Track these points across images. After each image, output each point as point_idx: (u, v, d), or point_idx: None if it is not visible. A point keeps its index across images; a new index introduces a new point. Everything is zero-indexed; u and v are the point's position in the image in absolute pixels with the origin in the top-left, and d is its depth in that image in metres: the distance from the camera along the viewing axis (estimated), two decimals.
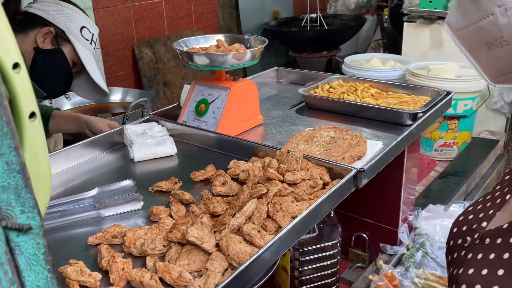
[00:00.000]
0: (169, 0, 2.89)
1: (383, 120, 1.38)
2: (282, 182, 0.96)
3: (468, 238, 0.67)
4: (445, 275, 1.50)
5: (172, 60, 2.93)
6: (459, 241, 0.69)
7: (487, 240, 0.62)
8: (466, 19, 0.58)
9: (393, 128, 1.35)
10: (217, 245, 0.81)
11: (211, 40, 1.35)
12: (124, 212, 0.96)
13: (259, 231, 0.82)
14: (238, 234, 0.83)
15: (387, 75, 2.38)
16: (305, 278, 1.48)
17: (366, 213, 1.66)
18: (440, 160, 2.41)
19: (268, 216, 0.88)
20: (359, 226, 1.68)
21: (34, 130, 0.55)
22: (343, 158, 1.12)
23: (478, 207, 0.71)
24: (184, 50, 1.28)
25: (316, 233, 1.47)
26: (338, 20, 3.57)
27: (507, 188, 0.69)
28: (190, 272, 0.77)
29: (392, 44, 3.60)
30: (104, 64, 2.65)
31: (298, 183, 0.98)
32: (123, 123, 1.83)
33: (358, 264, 1.70)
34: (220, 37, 1.35)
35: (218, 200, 0.92)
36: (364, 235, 1.68)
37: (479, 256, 0.61)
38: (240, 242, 0.80)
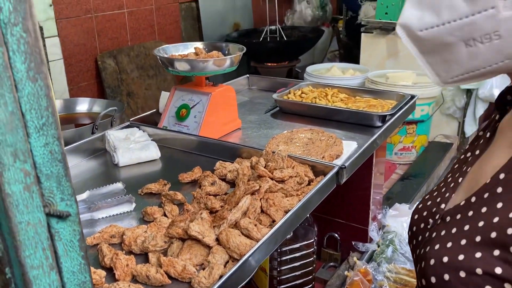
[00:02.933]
0: (131, 11, 2.89)
1: (354, 122, 1.45)
2: (271, 179, 1.01)
3: (430, 220, 0.73)
4: (414, 268, 1.58)
5: (135, 71, 2.93)
6: (422, 225, 0.76)
7: (448, 218, 0.68)
8: (442, 17, 0.58)
9: (364, 130, 1.42)
10: (217, 239, 0.84)
11: (190, 48, 1.38)
12: (116, 214, 0.98)
13: (255, 225, 0.86)
14: (235, 228, 0.87)
15: (347, 83, 2.49)
16: (283, 277, 1.52)
17: (338, 213, 1.72)
18: (400, 163, 2.53)
19: (262, 211, 0.92)
20: (331, 226, 1.74)
21: None
22: (323, 157, 1.18)
23: (434, 194, 0.78)
24: (166, 56, 1.31)
25: (292, 233, 1.52)
26: (296, 31, 3.68)
27: (458, 173, 0.76)
28: (192, 266, 0.80)
29: (348, 54, 3.75)
30: (66, 75, 2.61)
31: (286, 180, 1.02)
32: (92, 133, 1.82)
33: (331, 264, 1.76)
34: (199, 45, 1.39)
35: (213, 198, 0.95)
36: (336, 235, 1.74)
37: (443, 232, 0.67)
38: (239, 235, 0.83)
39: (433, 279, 0.64)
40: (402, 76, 2.46)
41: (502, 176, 0.61)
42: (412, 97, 1.56)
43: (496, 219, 0.58)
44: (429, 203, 0.78)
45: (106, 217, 0.97)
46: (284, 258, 1.50)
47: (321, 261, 1.79)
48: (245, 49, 1.35)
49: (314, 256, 1.56)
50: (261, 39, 3.41)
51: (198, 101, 1.30)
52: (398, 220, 1.79)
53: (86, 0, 2.63)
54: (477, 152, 0.75)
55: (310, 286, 1.57)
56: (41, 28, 2.27)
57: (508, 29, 0.55)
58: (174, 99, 1.35)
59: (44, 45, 2.37)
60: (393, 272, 1.56)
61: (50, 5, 2.45)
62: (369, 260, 1.64)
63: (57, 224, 0.48)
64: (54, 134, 0.46)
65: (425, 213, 0.77)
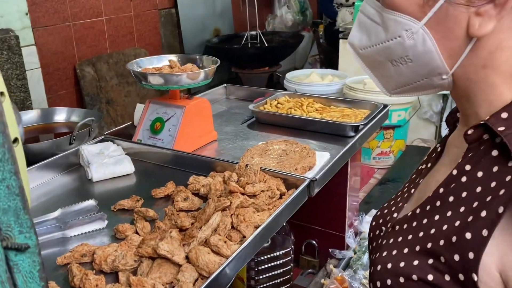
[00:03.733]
0: (110, 18, 2.88)
1: (328, 132, 1.48)
2: (243, 194, 1.02)
3: (383, 228, 0.78)
4: None
5: (114, 78, 2.92)
6: (377, 232, 0.80)
7: (397, 227, 0.73)
8: (371, 40, 0.68)
9: (337, 140, 1.45)
10: (187, 257, 0.85)
11: (164, 60, 1.39)
12: (89, 232, 0.98)
13: (225, 242, 0.87)
14: (205, 245, 0.88)
15: (326, 89, 2.52)
16: (261, 286, 1.54)
17: (315, 221, 1.75)
18: (379, 168, 2.57)
19: (232, 227, 0.93)
20: (308, 233, 1.76)
21: (18, 155, 0.58)
22: (296, 169, 1.20)
23: (391, 202, 0.83)
24: (138, 70, 1.31)
25: (270, 242, 1.53)
26: (277, 37, 3.70)
27: (412, 184, 0.81)
28: (162, 284, 0.81)
29: (328, 59, 3.79)
30: (44, 83, 2.59)
31: (257, 194, 1.04)
32: (70, 144, 1.81)
33: (309, 270, 1.78)
34: (173, 57, 1.40)
35: (183, 215, 0.96)
36: (314, 242, 1.76)
37: (391, 240, 0.72)
38: (208, 253, 0.84)
39: (378, 284, 0.68)
40: None
41: (441, 190, 0.65)
42: (385, 106, 1.59)
43: (432, 231, 0.63)
44: (385, 211, 0.82)
45: (78, 234, 0.97)
46: (261, 267, 1.52)
47: (299, 268, 1.81)
48: (219, 62, 1.37)
49: (292, 264, 1.58)
50: (241, 45, 3.42)
51: (173, 114, 1.31)
52: None
53: (63, 8, 2.62)
54: (429, 165, 0.79)
55: None
56: (17, 37, 2.25)
57: (415, 54, 0.63)
58: (148, 112, 1.35)
59: (21, 54, 2.35)
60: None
61: (26, 14, 2.43)
62: (346, 267, 1.66)
63: (15, 256, 0.49)
64: (11, 169, 0.47)
65: (380, 221, 0.81)
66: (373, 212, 1.88)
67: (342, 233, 1.72)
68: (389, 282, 0.66)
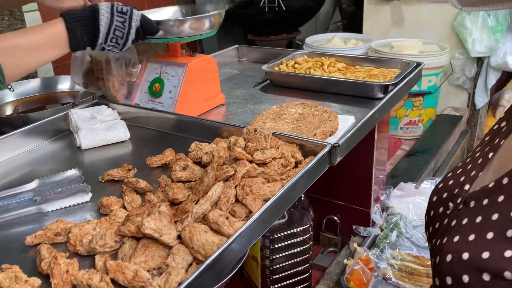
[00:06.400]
0: None
1: (352, 94, 1.29)
2: (251, 162, 0.86)
3: (451, 205, 0.61)
4: (421, 254, 1.45)
5: None
6: (441, 209, 0.63)
7: (472, 203, 0.56)
8: None
9: (363, 102, 1.26)
10: (179, 237, 0.69)
11: (164, 11, 1.22)
12: (69, 206, 0.83)
13: (227, 218, 0.72)
14: (203, 223, 0.72)
15: (349, 53, 2.30)
16: (276, 266, 1.39)
17: (337, 195, 1.58)
18: (406, 139, 2.37)
19: (237, 200, 0.77)
20: (329, 209, 1.60)
21: None
22: (314, 134, 1.03)
23: (458, 172, 0.65)
24: None
25: (286, 218, 1.38)
26: (296, 1, 3.48)
27: (488, 147, 0.63)
28: (148, 270, 0.66)
29: (351, 24, 3.55)
30: None
31: (268, 162, 0.87)
32: None
33: (331, 249, 1.63)
34: (176, 9, 1.23)
35: (179, 186, 0.81)
36: (335, 218, 1.60)
37: (464, 221, 0.55)
38: (206, 231, 0.69)
39: (448, 280, 0.51)
40: (408, 45, 2.28)
41: None
42: (418, 64, 1.40)
43: None
44: (450, 182, 0.64)
45: (57, 209, 0.83)
46: (277, 245, 1.37)
47: (320, 246, 1.66)
48: (227, 6, 1.19)
49: (311, 242, 1.42)
50: (258, 9, 3.22)
51: (173, 74, 1.15)
52: (403, 200, 1.64)
53: None
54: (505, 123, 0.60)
55: (307, 274, 1.44)
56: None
57: None
58: (146, 72, 1.19)
59: (23, 20, 2.22)
60: (397, 259, 1.42)
61: None
62: (371, 246, 1.50)
63: None
64: None
65: (445, 195, 0.63)
66: (402, 185, 1.70)
67: (367, 208, 1.55)
68: (466, 279, 0.49)
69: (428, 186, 1.73)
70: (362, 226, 1.54)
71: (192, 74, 1.15)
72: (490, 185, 0.54)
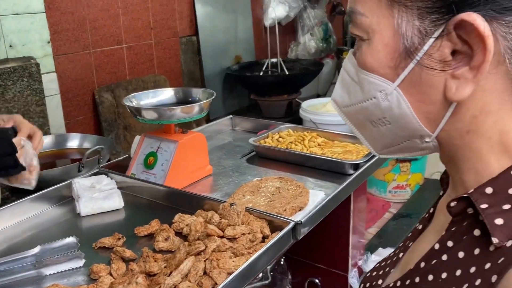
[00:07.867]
0: (130, 46, 2.94)
1: (327, 169, 1.44)
2: (222, 237, 0.99)
3: None
4: None
5: None
6: None
7: None
8: (351, 99, 0.64)
9: (337, 177, 1.40)
10: None
11: (160, 94, 1.40)
12: (65, 270, 0.97)
13: None
14: None
15: (341, 119, 2.46)
16: None
17: (318, 258, 1.69)
18: (395, 202, 2.48)
19: (205, 273, 0.91)
20: (311, 271, 1.70)
21: None
22: (285, 210, 1.16)
23: (382, 264, 0.76)
24: (133, 105, 1.32)
25: (269, 280, 1.49)
26: (298, 64, 3.68)
27: (403, 247, 0.73)
28: None
29: None
30: (63, 109, 2.65)
31: (238, 237, 1.01)
32: (79, 171, 1.84)
33: None
34: (169, 91, 1.40)
35: (157, 258, 0.94)
36: (317, 281, 1.70)
37: None
38: None
39: None
40: None
41: (422, 265, 0.59)
42: None
43: None
44: (374, 273, 0.75)
45: (55, 273, 0.97)
46: None
47: None
48: (214, 94, 1.36)
49: None
50: (261, 72, 3.42)
51: (166, 149, 1.31)
52: None
53: (84, 37, 2.69)
54: (420, 227, 0.72)
55: None
56: (37, 65, 2.33)
57: (392, 116, 0.59)
58: (143, 146, 1.35)
59: (41, 81, 2.42)
60: None
61: (48, 42, 2.51)
62: None
63: None
64: None
65: (367, 285, 0.74)
66: (380, 251, 1.81)
67: (345, 272, 1.65)
68: None
69: None
70: None
71: (182, 150, 1.31)
72: (390, 285, 0.64)
